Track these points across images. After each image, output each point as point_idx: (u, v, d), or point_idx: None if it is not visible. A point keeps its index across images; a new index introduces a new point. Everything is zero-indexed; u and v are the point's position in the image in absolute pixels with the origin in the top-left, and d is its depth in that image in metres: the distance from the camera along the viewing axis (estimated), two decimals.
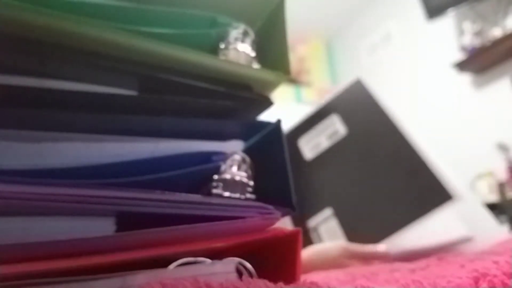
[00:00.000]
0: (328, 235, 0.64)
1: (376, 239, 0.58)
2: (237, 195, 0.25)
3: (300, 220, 0.67)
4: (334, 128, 0.69)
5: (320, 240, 0.65)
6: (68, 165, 0.22)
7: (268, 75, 0.28)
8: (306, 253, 0.58)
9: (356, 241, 0.59)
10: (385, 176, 0.63)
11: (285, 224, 0.65)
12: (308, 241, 0.65)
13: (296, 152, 0.71)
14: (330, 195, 0.67)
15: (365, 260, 0.56)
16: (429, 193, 0.58)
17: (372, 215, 0.61)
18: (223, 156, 0.27)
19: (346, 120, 0.69)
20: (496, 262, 0.22)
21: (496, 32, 1.84)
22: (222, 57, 0.27)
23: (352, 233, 0.62)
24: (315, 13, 2.62)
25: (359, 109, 0.70)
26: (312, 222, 0.66)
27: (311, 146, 0.70)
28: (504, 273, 0.20)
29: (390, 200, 0.61)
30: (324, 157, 0.69)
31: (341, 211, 0.64)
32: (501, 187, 1.81)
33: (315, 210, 0.66)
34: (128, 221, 0.21)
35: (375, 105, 0.69)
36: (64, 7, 0.20)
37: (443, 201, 0.56)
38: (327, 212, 0.65)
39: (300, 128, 0.73)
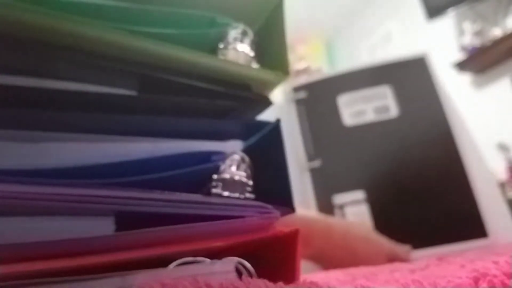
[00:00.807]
0: (355, 219, 0.59)
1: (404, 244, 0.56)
2: (236, 195, 0.25)
3: (325, 192, 0.61)
4: (385, 102, 0.62)
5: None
6: (68, 165, 0.22)
7: (267, 75, 0.28)
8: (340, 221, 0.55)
9: (384, 237, 0.56)
10: (429, 187, 0.60)
11: (308, 195, 0.60)
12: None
13: (333, 110, 0.62)
14: (366, 179, 0.60)
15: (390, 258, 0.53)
16: (468, 222, 0.56)
17: (407, 219, 0.58)
18: (223, 156, 0.27)
19: (400, 98, 0.62)
20: (496, 262, 0.22)
21: (496, 32, 1.84)
22: (221, 57, 0.27)
23: (382, 229, 0.57)
24: (315, 13, 2.62)
25: (416, 91, 0.63)
26: (339, 199, 0.60)
27: (353, 111, 0.62)
28: (504, 273, 0.20)
29: (428, 212, 0.58)
30: (367, 131, 0.62)
31: (375, 201, 0.59)
32: (501, 187, 1.81)
33: (345, 187, 0.60)
34: (127, 220, 0.21)
35: (435, 94, 0.62)
36: (64, 7, 0.20)
37: (479, 236, 0.55)
38: (359, 194, 0.59)
39: (344, 81, 0.64)
